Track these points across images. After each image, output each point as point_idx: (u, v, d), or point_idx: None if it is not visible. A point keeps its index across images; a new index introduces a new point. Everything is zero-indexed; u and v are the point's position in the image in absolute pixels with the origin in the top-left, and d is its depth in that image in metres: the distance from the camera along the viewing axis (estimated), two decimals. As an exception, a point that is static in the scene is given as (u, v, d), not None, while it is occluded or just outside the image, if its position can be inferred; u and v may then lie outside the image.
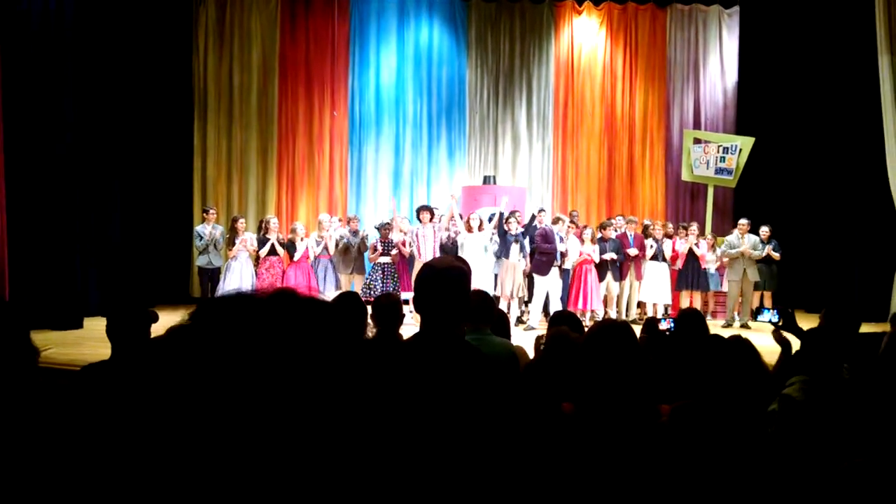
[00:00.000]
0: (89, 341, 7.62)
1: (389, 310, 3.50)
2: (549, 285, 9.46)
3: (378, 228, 9.89)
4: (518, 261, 9.51)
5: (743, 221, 10.13)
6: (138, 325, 3.03)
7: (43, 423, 1.64)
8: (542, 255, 9.48)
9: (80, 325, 8.73)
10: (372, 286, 9.41)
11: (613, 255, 9.99)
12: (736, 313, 10.18)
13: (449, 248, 9.56)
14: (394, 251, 9.64)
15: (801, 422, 2.47)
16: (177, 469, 0.61)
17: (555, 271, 9.49)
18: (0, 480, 1.44)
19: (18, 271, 8.00)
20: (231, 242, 9.45)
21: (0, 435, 1.52)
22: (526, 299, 9.99)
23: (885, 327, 7.15)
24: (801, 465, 2.23)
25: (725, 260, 10.12)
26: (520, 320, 9.72)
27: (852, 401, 2.57)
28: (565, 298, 9.77)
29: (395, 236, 9.78)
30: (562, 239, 9.58)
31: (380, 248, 9.64)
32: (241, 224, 9.53)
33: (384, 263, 9.57)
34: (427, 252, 9.47)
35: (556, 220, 9.73)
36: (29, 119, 8.28)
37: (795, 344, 3.47)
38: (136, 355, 2.73)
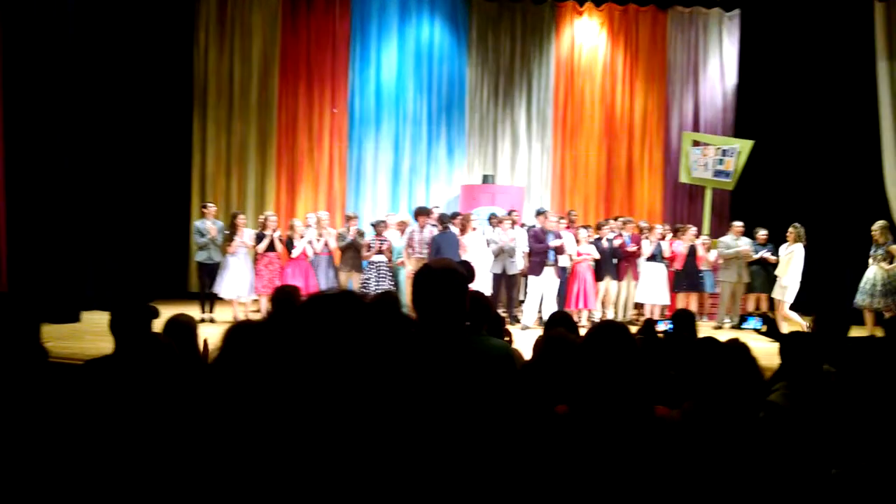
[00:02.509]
0: (87, 335, 7.65)
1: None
2: (544, 285, 9.55)
3: (373, 226, 9.89)
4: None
5: (737, 224, 10.20)
6: (141, 320, 3.06)
7: (52, 417, 1.67)
8: (535, 256, 9.56)
9: (77, 319, 8.75)
10: (366, 284, 9.42)
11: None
12: (726, 315, 10.17)
13: (436, 247, 9.55)
14: (385, 246, 9.64)
15: (787, 427, 2.51)
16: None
17: (549, 271, 9.54)
18: (12, 473, 1.47)
19: (16, 264, 8.02)
20: (230, 238, 9.41)
21: (12, 431, 1.55)
22: (521, 298, 10.05)
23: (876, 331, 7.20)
24: (789, 470, 2.27)
25: (721, 261, 10.17)
26: (516, 319, 9.76)
27: (838, 403, 2.61)
28: (563, 297, 9.81)
29: (389, 235, 9.81)
30: (557, 235, 9.62)
31: (374, 246, 9.63)
32: (241, 220, 9.48)
33: (378, 262, 9.57)
34: (422, 252, 9.51)
35: (538, 213, 9.83)
36: (28, 113, 8.28)
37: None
38: (139, 350, 2.75)
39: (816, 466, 2.29)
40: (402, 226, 10.00)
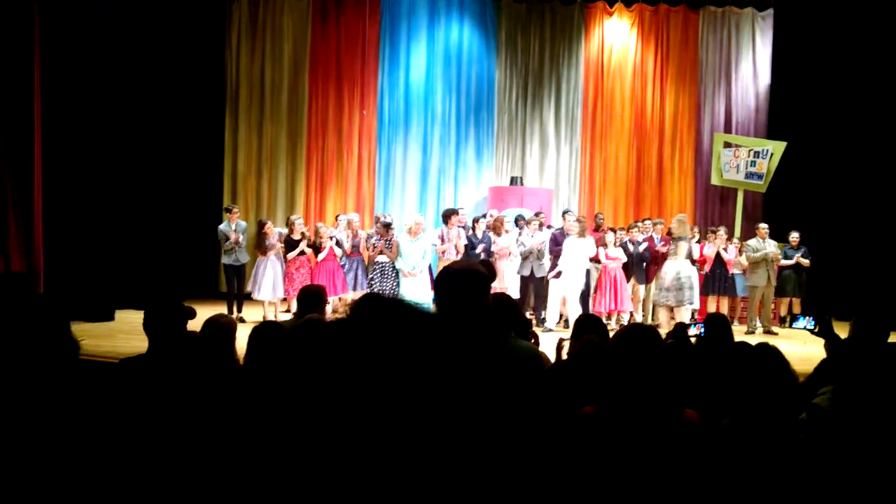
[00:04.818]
0: (121, 333, 7.80)
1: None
2: (565, 287, 9.53)
3: (376, 228, 9.90)
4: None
5: (762, 226, 10.04)
6: (175, 320, 3.10)
7: (84, 411, 1.70)
8: (556, 259, 9.54)
9: (111, 317, 8.92)
10: (372, 285, 9.46)
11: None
12: (758, 319, 9.94)
13: (472, 249, 9.61)
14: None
15: (829, 431, 2.46)
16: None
17: (570, 273, 9.53)
18: (46, 467, 1.51)
19: (53, 264, 8.19)
20: (260, 245, 9.57)
21: (45, 426, 1.59)
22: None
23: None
24: (828, 474, 2.23)
25: (746, 264, 10.03)
26: (544, 321, 9.72)
27: (879, 409, 2.55)
28: (587, 300, 9.75)
29: (402, 238, 9.80)
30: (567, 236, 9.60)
31: (378, 246, 9.63)
32: (269, 227, 9.63)
33: (383, 262, 9.60)
34: (452, 254, 9.53)
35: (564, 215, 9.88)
36: (65, 117, 8.46)
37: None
38: (173, 348, 2.80)
39: (857, 473, 2.25)
40: (416, 227, 9.87)
